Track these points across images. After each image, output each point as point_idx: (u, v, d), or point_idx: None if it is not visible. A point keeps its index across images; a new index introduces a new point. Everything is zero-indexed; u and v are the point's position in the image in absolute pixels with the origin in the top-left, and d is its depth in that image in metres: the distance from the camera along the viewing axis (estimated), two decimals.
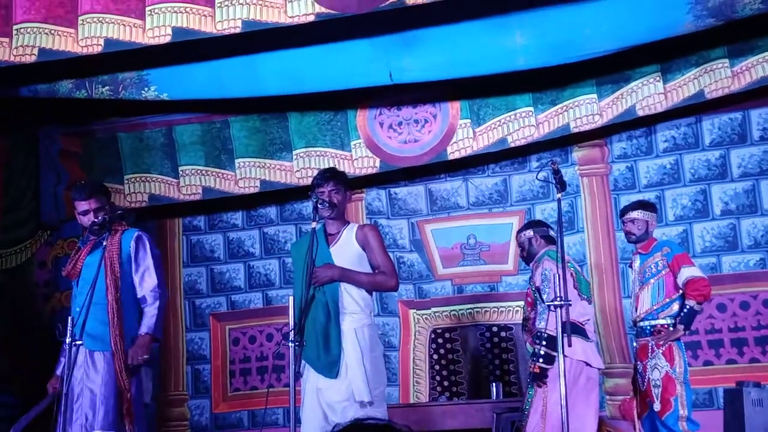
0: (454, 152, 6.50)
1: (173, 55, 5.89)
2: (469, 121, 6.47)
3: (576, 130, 6.28)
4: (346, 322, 4.09)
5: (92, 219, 4.30)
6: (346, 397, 3.98)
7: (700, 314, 5.29)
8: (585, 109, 6.22)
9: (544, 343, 4.68)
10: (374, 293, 4.43)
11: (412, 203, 6.92)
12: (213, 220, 7.23)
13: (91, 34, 5.48)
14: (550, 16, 5.64)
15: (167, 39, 5.44)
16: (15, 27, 5.54)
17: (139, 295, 4.34)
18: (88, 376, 4.20)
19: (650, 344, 5.03)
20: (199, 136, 6.82)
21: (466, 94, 6.48)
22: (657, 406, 4.93)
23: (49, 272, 7.03)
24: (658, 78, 6.08)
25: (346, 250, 4.17)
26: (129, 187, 6.86)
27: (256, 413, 6.78)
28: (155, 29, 5.43)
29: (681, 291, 5.02)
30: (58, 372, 4.29)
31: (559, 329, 3.99)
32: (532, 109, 6.34)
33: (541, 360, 4.68)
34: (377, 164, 6.64)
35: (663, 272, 5.09)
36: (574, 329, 4.49)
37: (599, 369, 4.96)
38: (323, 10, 5.26)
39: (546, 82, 6.23)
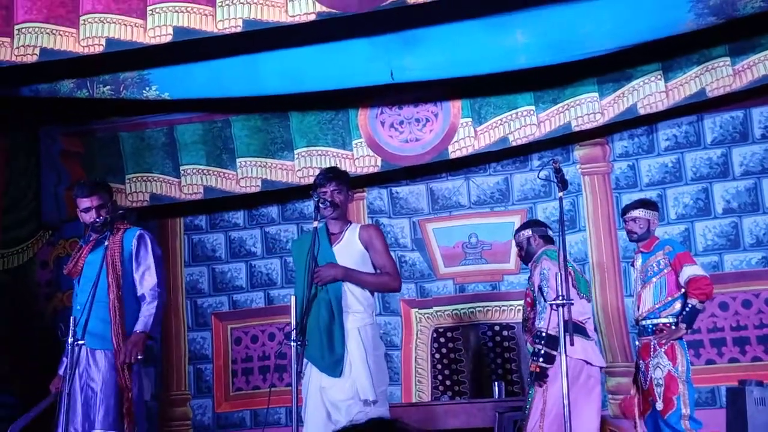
0: (455, 151, 6.50)
1: (174, 55, 5.89)
2: (471, 120, 6.47)
3: (577, 129, 6.27)
4: (350, 321, 4.09)
5: (94, 216, 4.29)
6: (350, 395, 3.99)
7: (703, 313, 5.28)
8: (586, 108, 6.21)
9: (543, 342, 4.68)
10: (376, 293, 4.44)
11: (413, 202, 6.92)
12: (214, 219, 7.23)
13: (92, 34, 5.48)
14: (551, 14, 5.64)
15: (168, 38, 5.44)
16: (16, 27, 5.54)
17: (139, 293, 4.33)
18: (89, 375, 4.19)
19: (652, 343, 5.02)
20: (201, 135, 6.82)
21: (467, 93, 6.48)
22: (659, 405, 4.93)
23: (51, 272, 7.03)
24: (659, 76, 6.07)
25: (350, 250, 4.17)
26: (130, 187, 6.85)
27: (258, 413, 6.78)
28: (156, 29, 5.43)
29: (683, 290, 5.02)
30: (61, 372, 4.29)
31: (562, 328, 3.99)
32: (533, 107, 6.34)
33: (540, 360, 4.68)
34: (378, 163, 6.64)
35: (665, 271, 5.09)
36: (574, 328, 4.48)
37: (600, 367, 4.96)
38: (324, 9, 5.26)
39: (547, 80, 6.23)
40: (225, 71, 6.06)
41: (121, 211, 4.41)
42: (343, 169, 5.12)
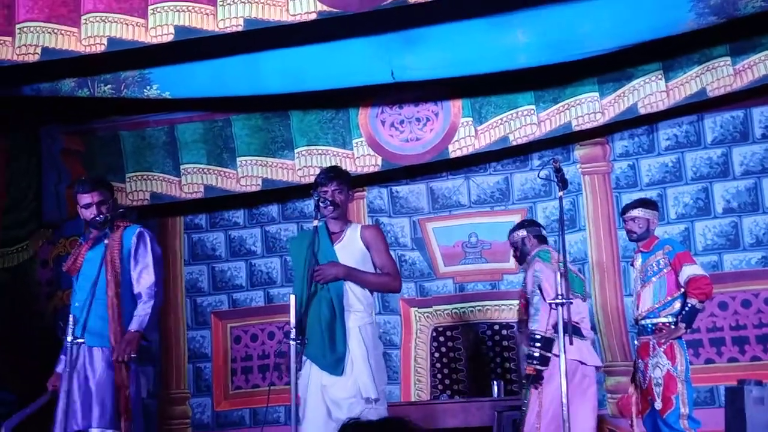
0: (455, 150, 6.50)
1: (175, 54, 5.89)
2: (471, 119, 6.48)
3: (578, 128, 6.28)
4: (351, 320, 4.10)
5: (94, 213, 4.28)
6: (352, 393, 3.99)
7: (702, 312, 5.29)
8: (587, 107, 6.22)
9: (538, 345, 4.68)
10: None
11: (413, 201, 6.92)
12: (214, 218, 7.23)
13: (93, 33, 5.48)
14: (551, 14, 5.64)
15: (169, 38, 5.44)
16: (18, 26, 5.54)
17: (135, 291, 4.31)
18: (87, 372, 4.19)
19: (652, 342, 5.03)
20: (201, 134, 6.83)
21: (467, 93, 6.48)
22: (658, 405, 4.93)
23: (51, 271, 7.04)
24: (660, 76, 6.07)
25: (351, 249, 4.18)
26: (131, 186, 6.86)
27: (257, 411, 6.78)
28: (157, 28, 5.43)
29: (683, 289, 5.02)
30: (59, 369, 4.27)
31: (561, 327, 4.00)
32: (533, 107, 6.34)
33: (536, 362, 4.69)
34: (379, 162, 6.64)
35: (665, 270, 5.09)
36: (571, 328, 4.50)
37: (596, 367, 4.96)
38: (325, 8, 5.26)
39: (548, 80, 6.23)
40: (226, 70, 6.07)
41: (121, 210, 4.41)
42: (343, 168, 5.12)
